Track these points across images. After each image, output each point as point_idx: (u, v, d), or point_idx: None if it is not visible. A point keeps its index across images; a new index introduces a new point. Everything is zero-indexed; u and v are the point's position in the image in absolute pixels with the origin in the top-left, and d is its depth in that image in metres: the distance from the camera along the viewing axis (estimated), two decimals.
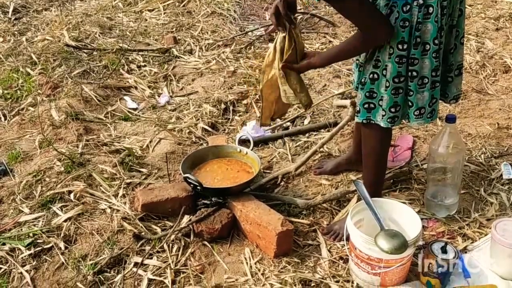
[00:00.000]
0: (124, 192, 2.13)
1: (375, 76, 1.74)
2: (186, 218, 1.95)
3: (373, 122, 1.80)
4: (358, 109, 1.82)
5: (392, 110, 1.75)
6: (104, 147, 2.45)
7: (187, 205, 1.99)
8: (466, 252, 1.83)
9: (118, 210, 2.02)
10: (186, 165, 2.10)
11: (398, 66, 1.68)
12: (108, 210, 2.03)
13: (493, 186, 2.16)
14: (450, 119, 1.90)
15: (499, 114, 2.66)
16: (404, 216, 1.78)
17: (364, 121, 1.82)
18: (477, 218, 1.99)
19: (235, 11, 4.08)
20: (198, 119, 2.72)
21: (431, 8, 1.61)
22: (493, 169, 2.25)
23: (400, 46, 1.65)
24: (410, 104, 1.75)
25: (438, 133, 1.98)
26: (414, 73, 1.69)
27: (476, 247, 1.85)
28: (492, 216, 1.99)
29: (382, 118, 1.77)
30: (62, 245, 1.87)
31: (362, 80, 1.78)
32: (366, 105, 1.79)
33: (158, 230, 1.94)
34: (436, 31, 1.63)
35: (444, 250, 1.67)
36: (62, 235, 1.91)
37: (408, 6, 1.61)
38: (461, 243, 1.87)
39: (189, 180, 1.96)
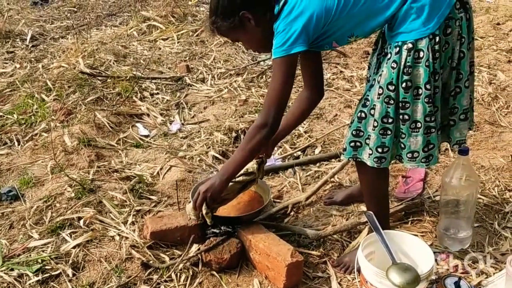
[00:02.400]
0: (134, 220, 2.12)
1: (363, 115, 1.73)
2: (194, 247, 1.93)
3: (360, 159, 1.78)
4: (344, 147, 1.80)
5: (379, 150, 1.72)
6: (115, 173, 2.46)
7: (196, 233, 1.97)
8: None
9: (127, 238, 2.01)
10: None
11: (387, 106, 1.67)
12: (117, 238, 2.02)
13: (507, 220, 2.12)
14: (463, 151, 1.88)
15: None
16: (416, 249, 1.75)
17: (350, 158, 1.81)
18: (491, 252, 1.95)
19: None
20: (209, 147, 2.73)
21: (421, 53, 1.60)
22: (507, 202, 2.21)
23: (389, 87, 1.65)
24: (402, 146, 1.73)
25: (450, 165, 1.96)
26: (406, 117, 1.67)
27: (490, 283, 1.80)
28: (507, 250, 1.95)
29: (369, 157, 1.75)
30: (70, 272, 1.86)
31: (351, 119, 1.79)
32: (352, 144, 1.77)
33: (167, 258, 1.92)
34: (428, 75, 1.61)
35: (457, 286, 1.63)
36: (70, 261, 1.90)
37: (398, 49, 1.62)
38: (475, 278, 1.82)
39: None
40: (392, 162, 1.83)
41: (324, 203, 2.27)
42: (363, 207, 2.21)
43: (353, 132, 1.76)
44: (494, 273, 1.84)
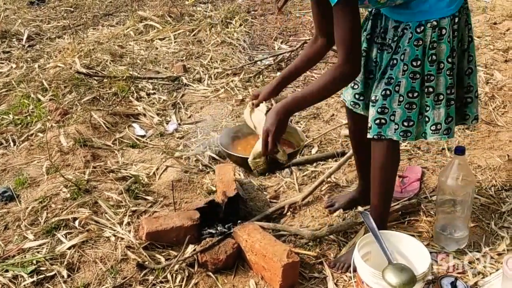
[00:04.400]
0: (129, 220, 2.11)
1: (388, 92, 1.78)
2: (190, 248, 1.92)
3: (384, 137, 1.81)
4: (369, 125, 1.83)
5: (405, 124, 1.78)
6: (111, 174, 2.45)
7: (192, 234, 1.97)
8: None
9: (122, 238, 2.00)
10: (224, 140, 1.97)
11: (412, 81, 1.75)
12: (113, 238, 2.01)
13: (504, 220, 2.12)
14: (459, 151, 1.88)
15: (509, 146, 2.64)
16: (412, 250, 1.75)
17: (375, 136, 1.83)
18: (487, 252, 1.94)
19: (244, 41, 4.13)
20: (206, 147, 2.72)
21: (444, 30, 1.71)
22: (504, 202, 2.21)
23: (414, 63, 1.73)
24: (426, 119, 1.80)
25: (447, 165, 1.96)
26: (431, 89, 1.76)
27: (487, 283, 1.80)
28: (503, 250, 1.95)
29: (395, 132, 1.79)
30: (65, 273, 1.85)
31: (373, 98, 1.81)
32: (377, 121, 1.80)
33: (162, 259, 1.91)
34: (449, 50, 1.73)
35: (454, 286, 1.63)
36: (65, 262, 1.89)
37: (422, 27, 1.70)
38: (472, 278, 1.82)
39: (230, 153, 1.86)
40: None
41: (329, 212, 2.22)
42: (359, 208, 2.21)
43: (378, 109, 1.79)
44: (490, 273, 1.84)
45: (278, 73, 3.65)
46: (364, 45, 1.88)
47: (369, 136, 1.85)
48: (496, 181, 2.35)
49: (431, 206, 2.19)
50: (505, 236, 2.02)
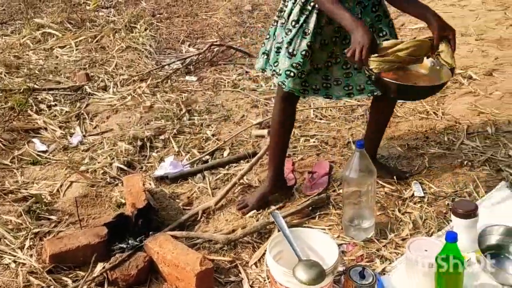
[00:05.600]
0: (31, 243, 1.98)
1: None
2: (99, 266, 1.84)
3: None
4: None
5: None
6: (10, 195, 2.29)
7: (100, 252, 1.88)
8: (384, 274, 1.86)
9: (24, 264, 1.88)
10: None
11: None
12: (13, 265, 1.88)
13: (407, 206, 2.22)
14: (360, 144, 1.96)
15: (408, 135, 2.79)
16: (322, 244, 1.79)
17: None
18: (393, 238, 2.03)
19: (150, 45, 4.04)
20: (113, 158, 2.61)
21: None
22: (406, 189, 2.32)
23: None
24: None
25: (349, 158, 2.03)
26: None
27: (393, 268, 1.88)
28: (407, 235, 2.04)
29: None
30: None
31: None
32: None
33: (69, 281, 1.81)
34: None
35: (362, 275, 1.68)
36: None
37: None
38: (379, 265, 1.89)
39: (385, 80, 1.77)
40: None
41: (242, 214, 2.21)
42: (272, 207, 2.23)
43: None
44: (396, 259, 1.92)
45: (188, 77, 3.61)
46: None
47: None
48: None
49: (339, 199, 2.26)
50: (408, 221, 2.12)
